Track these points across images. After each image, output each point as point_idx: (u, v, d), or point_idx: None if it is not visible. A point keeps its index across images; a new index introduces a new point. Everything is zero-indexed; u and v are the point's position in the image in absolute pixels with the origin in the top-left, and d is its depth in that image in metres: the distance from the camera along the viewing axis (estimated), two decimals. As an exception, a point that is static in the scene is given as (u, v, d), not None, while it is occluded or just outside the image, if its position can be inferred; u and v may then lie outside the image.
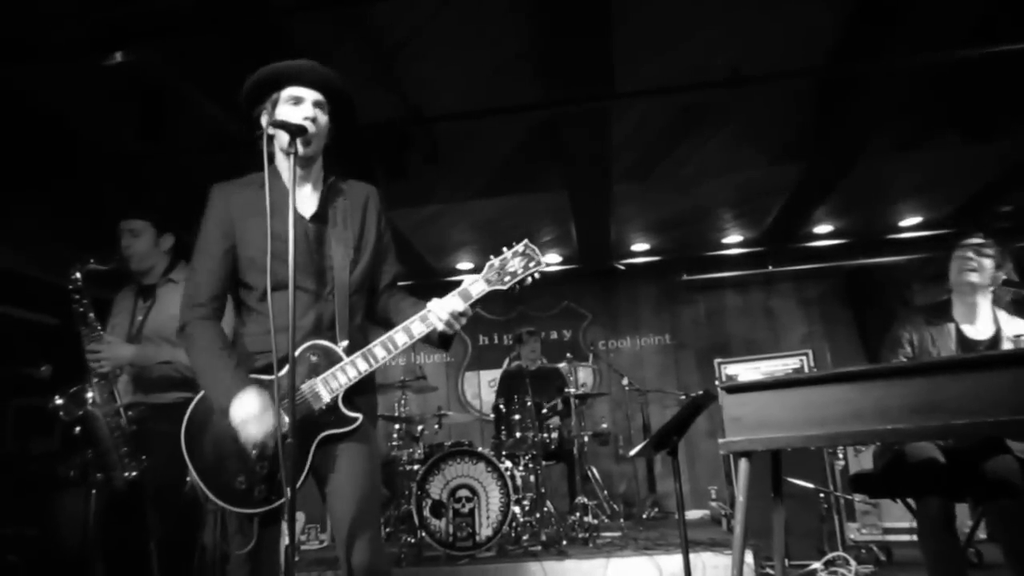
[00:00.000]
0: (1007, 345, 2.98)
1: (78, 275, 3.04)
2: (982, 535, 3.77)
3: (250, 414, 1.92)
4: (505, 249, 2.14)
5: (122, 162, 5.09)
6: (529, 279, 2.12)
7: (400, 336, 2.07)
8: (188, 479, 2.08)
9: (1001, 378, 1.92)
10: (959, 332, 3.05)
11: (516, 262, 2.11)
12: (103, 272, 3.11)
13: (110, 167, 5.19)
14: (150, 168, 5.21)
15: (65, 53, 3.96)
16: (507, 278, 2.10)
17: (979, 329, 3.06)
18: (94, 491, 3.16)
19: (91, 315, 3.04)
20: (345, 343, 2.07)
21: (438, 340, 2.15)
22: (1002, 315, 3.07)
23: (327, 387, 2.02)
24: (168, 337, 3.07)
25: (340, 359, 2.03)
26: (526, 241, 2.14)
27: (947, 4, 4.07)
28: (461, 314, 2.07)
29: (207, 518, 3.05)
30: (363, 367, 2.04)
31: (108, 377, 3.00)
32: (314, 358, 2.03)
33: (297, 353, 1.96)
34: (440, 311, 2.05)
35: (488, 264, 2.13)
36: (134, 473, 2.91)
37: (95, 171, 5.24)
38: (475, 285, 2.10)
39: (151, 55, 3.87)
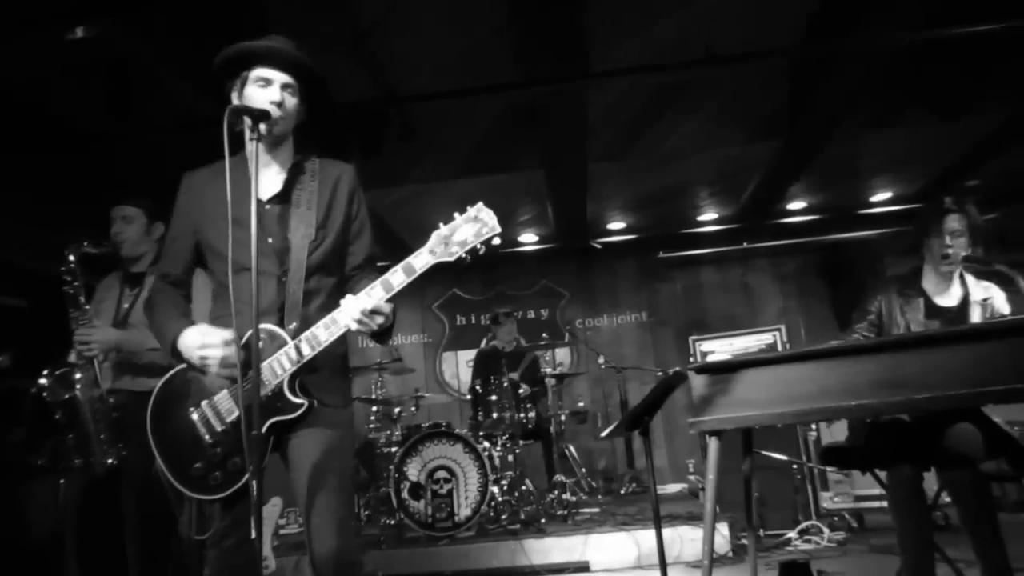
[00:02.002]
0: (975, 310, 2.97)
1: (72, 257, 2.98)
2: (947, 499, 3.87)
3: (198, 342, 1.95)
4: (457, 215, 1.94)
5: (91, 141, 4.99)
6: (481, 248, 1.93)
7: (321, 332, 1.94)
8: (155, 464, 2.07)
9: (960, 354, 1.97)
10: (927, 300, 3.06)
11: (467, 229, 1.92)
12: (94, 256, 3.07)
13: (78, 146, 5.08)
14: (121, 147, 5.12)
15: (26, 27, 3.85)
16: (454, 248, 1.91)
17: (948, 296, 3.07)
18: (62, 480, 3.14)
19: (82, 298, 3.00)
20: (293, 326, 1.98)
21: (370, 335, 2.00)
22: (970, 279, 3.06)
23: (272, 372, 1.94)
24: None
25: (285, 343, 1.95)
26: (480, 205, 1.95)
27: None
28: (375, 311, 1.89)
29: (184, 506, 3.05)
30: (306, 351, 1.94)
31: (93, 362, 2.97)
32: (261, 342, 1.91)
33: (244, 337, 1.91)
34: (351, 309, 1.89)
35: (435, 233, 1.94)
36: (112, 460, 2.89)
37: (63, 150, 5.12)
38: (418, 258, 1.92)
39: (115, 29, 3.76)
